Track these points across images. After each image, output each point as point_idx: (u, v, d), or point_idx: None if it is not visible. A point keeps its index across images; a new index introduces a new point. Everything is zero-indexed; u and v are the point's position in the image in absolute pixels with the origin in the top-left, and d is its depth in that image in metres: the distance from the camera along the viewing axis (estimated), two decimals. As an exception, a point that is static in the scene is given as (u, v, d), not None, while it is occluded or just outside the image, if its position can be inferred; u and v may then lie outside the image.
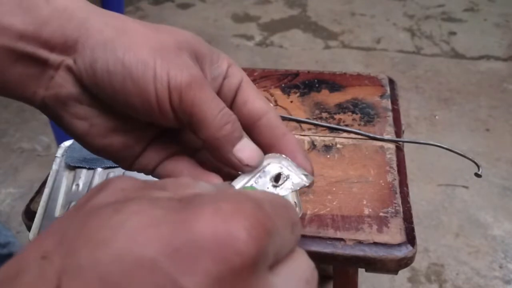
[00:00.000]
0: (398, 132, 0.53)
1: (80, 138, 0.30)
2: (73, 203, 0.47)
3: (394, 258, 0.40)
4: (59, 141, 1.16)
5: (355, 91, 0.59)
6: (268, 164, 0.30)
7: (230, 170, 0.30)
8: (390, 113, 0.55)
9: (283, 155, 0.30)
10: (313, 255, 0.41)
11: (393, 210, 0.44)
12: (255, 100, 0.31)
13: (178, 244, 0.15)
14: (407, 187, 0.47)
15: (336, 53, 1.81)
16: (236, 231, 0.15)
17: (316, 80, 0.61)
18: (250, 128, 0.31)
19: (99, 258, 0.14)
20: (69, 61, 0.28)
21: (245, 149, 0.29)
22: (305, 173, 0.30)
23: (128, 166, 0.31)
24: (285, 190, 0.30)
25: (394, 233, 0.42)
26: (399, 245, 0.41)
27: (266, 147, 0.31)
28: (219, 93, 0.31)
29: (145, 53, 0.26)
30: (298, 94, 0.59)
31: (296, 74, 0.62)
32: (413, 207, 0.45)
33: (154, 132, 0.32)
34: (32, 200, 0.48)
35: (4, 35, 0.26)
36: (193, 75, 0.27)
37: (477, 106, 1.53)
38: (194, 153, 0.32)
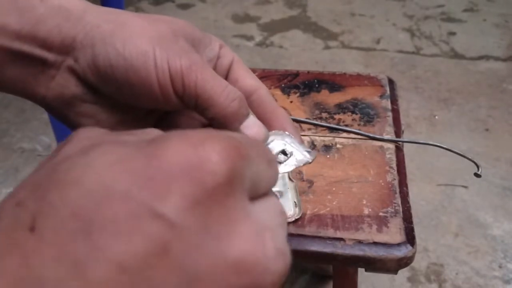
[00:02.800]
0: (398, 132, 0.53)
1: None
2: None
3: (394, 258, 0.40)
4: (60, 140, 1.16)
5: (354, 91, 0.59)
6: (272, 141, 0.31)
7: None
8: (390, 113, 0.56)
9: (286, 132, 0.31)
10: (313, 255, 0.41)
11: (392, 210, 0.44)
12: (245, 77, 0.31)
13: (149, 174, 0.15)
14: (406, 187, 0.47)
15: (336, 53, 1.81)
16: (206, 154, 0.15)
17: (316, 80, 0.61)
18: None
19: (70, 196, 0.14)
20: (70, 61, 0.28)
21: (252, 126, 0.29)
22: (308, 149, 0.31)
23: None
24: (289, 166, 0.30)
25: (394, 233, 0.42)
26: (398, 244, 0.41)
27: None
28: None
29: (144, 43, 0.27)
30: (298, 94, 0.59)
31: (296, 74, 0.62)
32: (412, 207, 0.45)
33: (156, 117, 0.33)
34: (33, 200, 0.48)
35: None
36: (192, 59, 0.27)
37: (476, 106, 1.53)
38: None
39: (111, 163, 0.15)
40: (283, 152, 0.30)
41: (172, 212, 0.14)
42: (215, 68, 0.31)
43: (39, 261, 0.13)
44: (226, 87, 0.28)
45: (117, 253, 0.13)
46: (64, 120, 0.30)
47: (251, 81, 0.31)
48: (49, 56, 0.28)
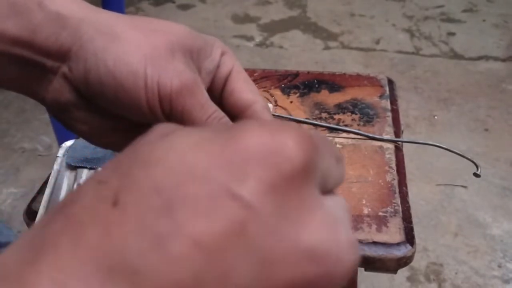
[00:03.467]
0: (397, 132, 0.53)
1: (83, 137, 0.32)
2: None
3: (393, 258, 0.40)
4: (60, 141, 1.17)
5: (354, 91, 0.59)
6: None
7: None
8: (389, 113, 0.56)
9: None
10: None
11: (392, 210, 0.44)
12: (241, 90, 0.31)
13: (228, 156, 0.15)
14: (406, 187, 0.47)
15: (336, 53, 1.82)
16: (284, 141, 0.16)
17: (315, 81, 0.61)
18: (236, 119, 0.31)
19: (153, 174, 0.15)
20: (64, 69, 0.28)
21: None
22: None
23: None
24: None
25: (393, 232, 0.42)
26: (398, 244, 0.41)
27: None
28: (212, 83, 0.31)
29: (135, 62, 0.27)
30: (298, 94, 0.59)
31: (296, 74, 0.62)
32: (412, 207, 0.45)
33: (150, 127, 0.32)
34: (33, 199, 0.48)
35: None
36: (184, 82, 0.27)
37: (476, 106, 1.54)
38: None
39: (192, 145, 0.15)
40: None
41: (249, 194, 0.14)
42: (214, 78, 0.31)
43: (121, 233, 0.14)
44: (211, 114, 0.28)
45: (196, 230, 0.14)
46: (62, 122, 0.31)
47: (247, 95, 0.31)
48: (47, 61, 0.28)
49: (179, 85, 0.27)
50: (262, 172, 0.15)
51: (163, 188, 0.14)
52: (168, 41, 0.28)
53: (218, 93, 0.31)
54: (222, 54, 0.31)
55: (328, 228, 0.16)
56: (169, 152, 0.15)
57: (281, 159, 0.15)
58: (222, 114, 0.29)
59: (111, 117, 0.30)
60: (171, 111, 0.27)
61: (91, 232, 0.14)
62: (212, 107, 0.28)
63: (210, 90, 0.30)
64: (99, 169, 0.16)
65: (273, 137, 0.16)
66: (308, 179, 0.16)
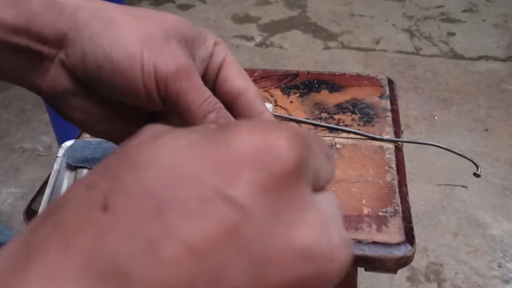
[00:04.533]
0: (397, 132, 0.53)
1: (78, 126, 0.32)
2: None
3: (393, 258, 0.40)
4: (60, 141, 1.17)
5: (354, 91, 0.59)
6: None
7: None
8: (389, 113, 0.56)
9: None
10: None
11: (392, 210, 0.44)
12: (234, 78, 0.31)
13: (219, 158, 0.15)
14: (406, 187, 0.47)
15: (336, 53, 1.82)
16: (275, 141, 0.15)
17: (315, 81, 0.61)
18: (230, 106, 0.31)
19: (143, 177, 0.14)
20: (61, 55, 0.28)
21: None
22: None
23: None
24: None
25: (393, 232, 0.42)
26: (398, 244, 0.41)
27: None
28: (205, 72, 0.31)
29: (132, 45, 0.27)
30: (298, 94, 0.59)
31: (296, 74, 0.62)
32: (412, 207, 0.45)
33: (147, 115, 0.33)
34: (33, 199, 0.48)
35: None
36: (179, 66, 0.27)
37: (476, 106, 1.54)
38: None
39: (182, 147, 0.15)
40: None
41: (241, 196, 0.14)
42: (207, 68, 0.31)
43: (112, 238, 0.13)
44: (206, 98, 0.28)
45: (188, 233, 0.13)
46: (58, 111, 0.31)
47: (239, 82, 0.31)
48: (44, 48, 0.28)
49: (175, 68, 0.27)
50: (254, 173, 0.15)
51: (154, 192, 0.14)
52: (163, 28, 0.28)
53: (212, 82, 0.32)
54: (215, 44, 0.31)
55: (320, 227, 0.16)
56: (159, 154, 0.15)
57: (273, 160, 0.15)
58: (216, 99, 0.29)
59: (108, 103, 0.30)
60: (166, 95, 0.27)
61: (81, 237, 0.14)
62: (207, 92, 0.29)
63: (204, 79, 0.31)
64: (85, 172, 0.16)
65: (264, 137, 0.15)
66: (300, 178, 0.16)
